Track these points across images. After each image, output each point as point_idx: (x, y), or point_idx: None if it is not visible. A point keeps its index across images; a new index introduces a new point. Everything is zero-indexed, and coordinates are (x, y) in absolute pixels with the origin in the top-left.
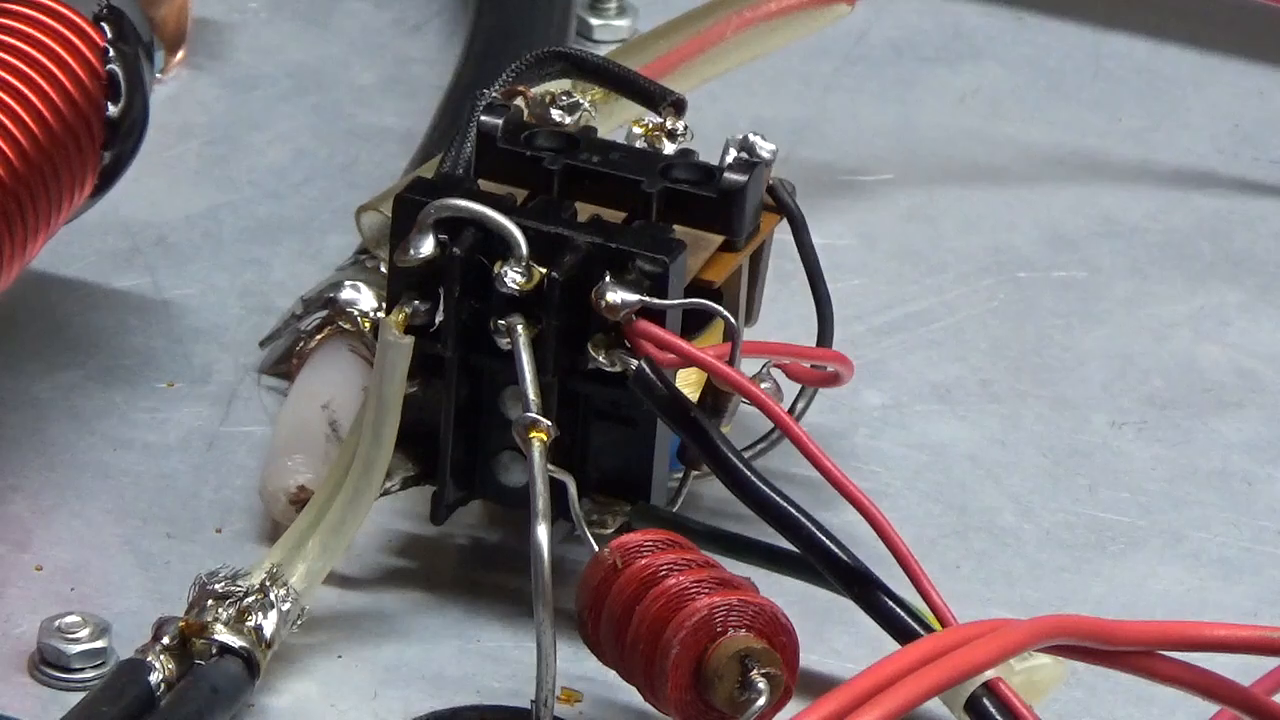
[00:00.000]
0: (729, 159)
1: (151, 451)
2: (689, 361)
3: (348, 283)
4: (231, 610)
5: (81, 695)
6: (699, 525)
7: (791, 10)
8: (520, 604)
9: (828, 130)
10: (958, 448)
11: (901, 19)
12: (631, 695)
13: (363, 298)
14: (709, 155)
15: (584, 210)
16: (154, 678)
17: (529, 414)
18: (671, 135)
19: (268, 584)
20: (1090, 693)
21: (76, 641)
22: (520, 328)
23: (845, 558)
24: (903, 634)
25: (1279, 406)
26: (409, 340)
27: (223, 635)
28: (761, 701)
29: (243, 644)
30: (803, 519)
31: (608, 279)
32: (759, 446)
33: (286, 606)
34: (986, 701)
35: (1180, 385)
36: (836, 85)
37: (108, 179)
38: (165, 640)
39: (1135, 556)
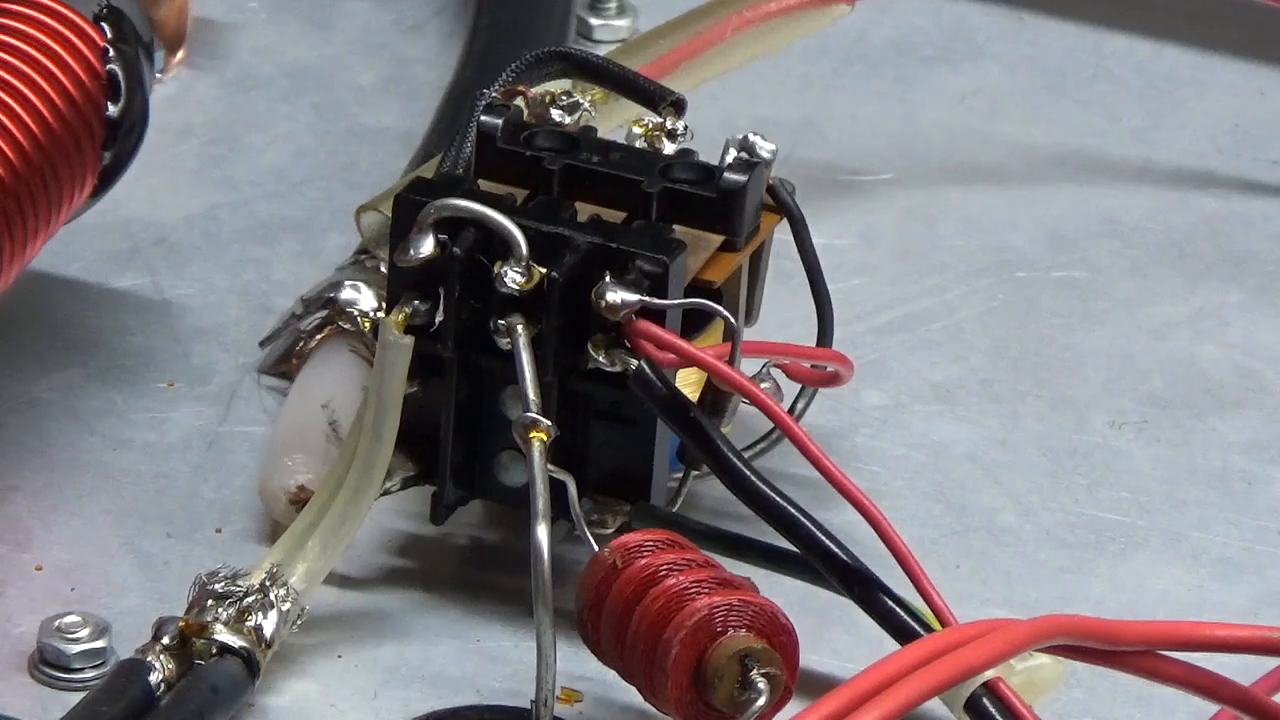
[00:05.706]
0: (729, 159)
1: (151, 451)
2: (689, 361)
3: (348, 283)
4: (231, 610)
5: (81, 695)
6: (699, 525)
7: (791, 10)
8: (520, 604)
9: (828, 130)
10: (958, 448)
11: (901, 19)
12: (631, 695)
13: (363, 298)
14: (709, 155)
15: (584, 210)
16: (154, 678)
17: (529, 414)
18: (671, 135)
19: (268, 584)
20: (1090, 693)
21: (76, 641)
22: (520, 328)
23: (845, 558)
24: (903, 634)
25: (1279, 407)
26: (409, 340)
27: (223, 635)
28: (761, 701)
29: (243, 644)
30: (803, 519)
31: (608, 279)
32: (759, 446)
33: (286, 606)
34: (986, 701)
35: (1180, 385)
36: (836, 85)
37: (108, 179)
38: (165, 640)
39: (1135, 556)
